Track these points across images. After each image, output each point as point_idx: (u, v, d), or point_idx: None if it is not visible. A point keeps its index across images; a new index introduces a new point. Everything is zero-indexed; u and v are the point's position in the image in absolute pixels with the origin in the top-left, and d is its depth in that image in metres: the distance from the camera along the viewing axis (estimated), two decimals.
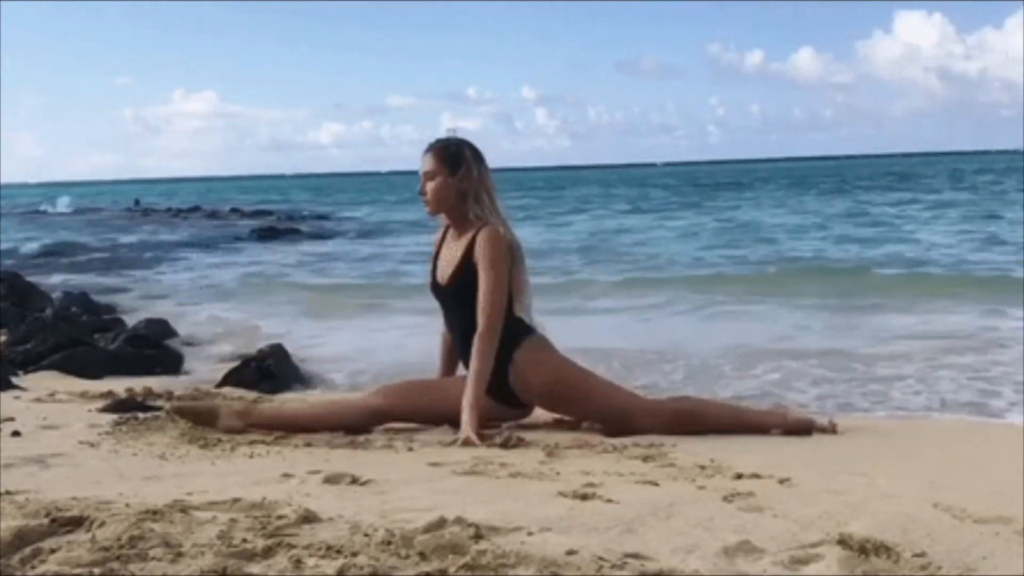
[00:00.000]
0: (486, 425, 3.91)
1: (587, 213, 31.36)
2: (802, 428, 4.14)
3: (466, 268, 4.03)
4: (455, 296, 4.08)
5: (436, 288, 4.20)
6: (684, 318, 9.10)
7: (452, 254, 4.12)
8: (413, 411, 4.01)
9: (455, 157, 4.11)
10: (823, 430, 4.13)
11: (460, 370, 4.20)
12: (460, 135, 4.23)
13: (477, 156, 4.14)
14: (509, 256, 4.01)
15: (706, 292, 10.69)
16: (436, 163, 4.12)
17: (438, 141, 4.19)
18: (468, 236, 4.07)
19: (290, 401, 4.85)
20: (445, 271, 4.12)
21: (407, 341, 7.44)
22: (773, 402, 4.29)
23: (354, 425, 3.93)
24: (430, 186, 4.13)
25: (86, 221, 36.56)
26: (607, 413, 3.97)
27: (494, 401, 3.98)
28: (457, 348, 4.18)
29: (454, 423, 3.92)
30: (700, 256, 15.81)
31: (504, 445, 3.64)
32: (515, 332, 4.01)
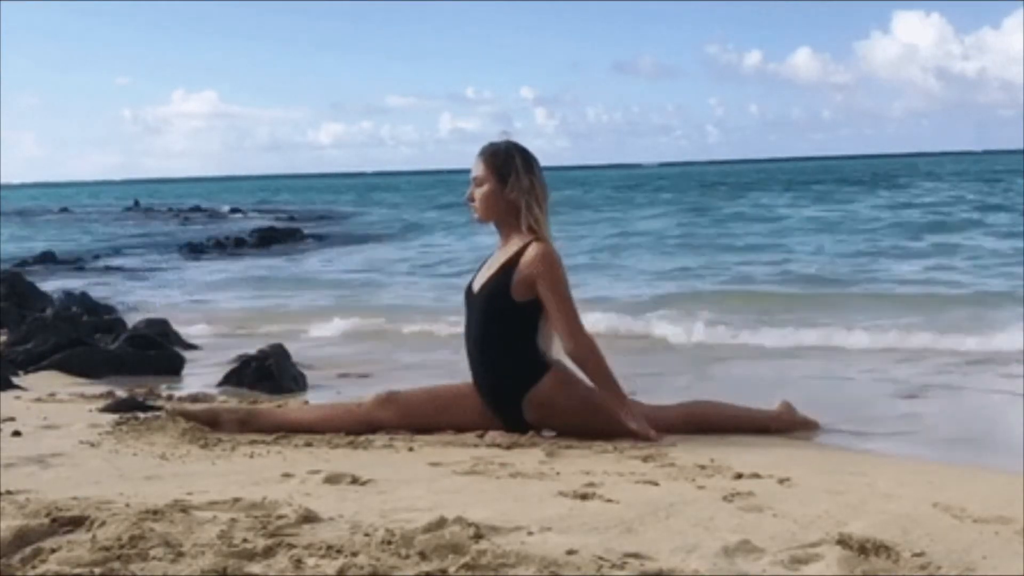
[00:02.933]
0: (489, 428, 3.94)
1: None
2: (808, 427, 4.19)
3: (503, 278, 3.91)
4: (482, 302, 3.97)
5: (468, 294, 4.09)
6: None
7: (494, 262, 4.01)
8: (417, 425, 3.96)
9: (505, 165, 3.96)
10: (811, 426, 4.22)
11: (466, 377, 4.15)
12: (512, 137, 4.08)
13: (528, 163, 3.98)
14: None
15: None
16: (485, 170, 3.99)
17: (490, 145, 4.04)
18: (514, 246, 3.94)
19: (291, 403, 4.84)
20: (483, 278, 4.02)
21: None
22: (780, 400, 4.29)
23: (355, 432, 3.91)
24: (478, 193, 4.00)
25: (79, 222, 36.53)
26: (625, 428, 3.94)
27: (502, 426, 3.93)
28: (469, 356, 4.06)
29: (458, 431, 3.93)
30: None
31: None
32: (534, 367, 3.91)
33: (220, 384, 5.51)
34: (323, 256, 18.62)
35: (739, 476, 3.14)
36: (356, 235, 25.01)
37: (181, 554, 2.19)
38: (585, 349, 3.87)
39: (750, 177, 67.75)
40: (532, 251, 3.89)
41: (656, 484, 3.03)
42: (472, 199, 4.04)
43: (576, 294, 3.95)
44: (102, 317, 8.27)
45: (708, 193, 42.13)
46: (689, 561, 2.23)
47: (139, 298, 11.35)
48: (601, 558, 2.21)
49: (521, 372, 3.90)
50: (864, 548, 2.30)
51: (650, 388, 4.78)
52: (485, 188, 3.99)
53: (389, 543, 2.27)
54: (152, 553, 2.19)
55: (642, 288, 11.18)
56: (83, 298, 9.48)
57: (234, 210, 41.37)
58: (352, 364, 6.32)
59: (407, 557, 2.20)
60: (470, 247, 17.24)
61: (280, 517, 2.50)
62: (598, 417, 3.91)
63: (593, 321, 6.68)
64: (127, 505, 2.60)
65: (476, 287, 4.04)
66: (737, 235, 18.80)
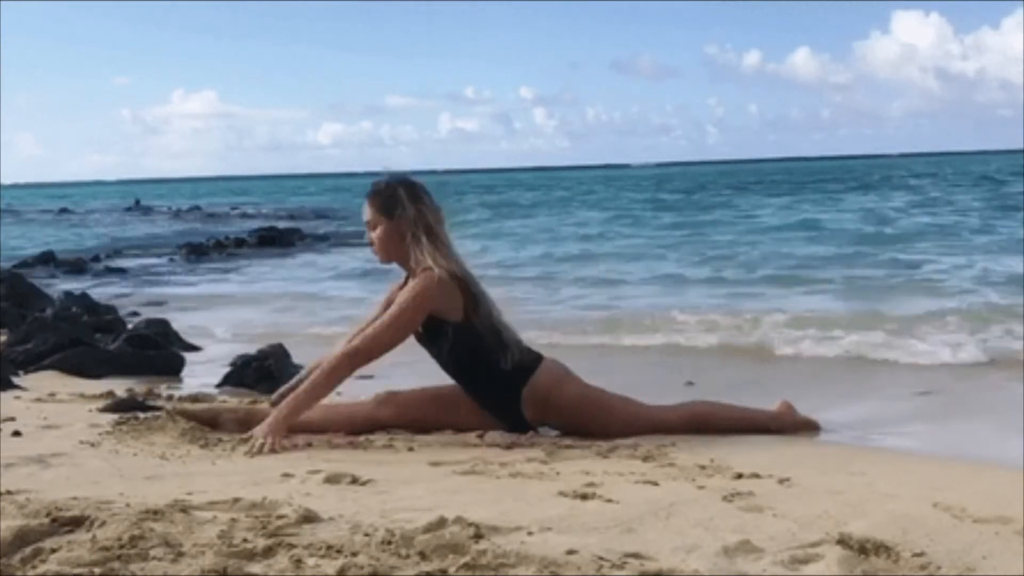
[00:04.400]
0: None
1: None
2: (808, 428, 4.19)
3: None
4: (430, 343, 3.98)
5: (418, 338, 4.04)
6: None
7: None
8: (417, 425, 3.97)
9: (389, 201, 3.96)
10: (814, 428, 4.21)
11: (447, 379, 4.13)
12: (393, 171, 4.08)
13: (413, 194, 3.97)
14: (440, 299, 3.83)
15: None
16: (373, 211, 4.00)
17: (372, 186, 4.05)
18: None
19: None
20: None
21: None
22: (780, 401, 4.29)
23: (355, 432, 3.92)
24: (374, 236, 4.02)
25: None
26: (626, 428, 3.94)
27: (502, 426, 3.94)
28: (457, 384, 4.06)
29: (459, 430, 3.94)
30: None
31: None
32: (520, 368, 3.92)
33: (220, 384, 5.51)
34: (325, 258, 18.59)
35: (739, 476, 3.14)
36: (357, 236, 24.98)
37: (181, 554, 2.19)
38: (345, 355, 3.81)
39: (745, 178, 67.55)
40: (416, 278, 3.88)
41: (656, 484, 3.03)
42: (372, 242, 4.05)
43: None
44: (102, 317, 8.26)
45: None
46: (689, 561, 2.23)
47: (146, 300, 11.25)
48: (601, 558, 2.22)
49: (508, 377, 3.91)
50: (864, 548, 2.30)
51: None
52: (379, 230, 3.99)
53: (389, 543, 2.27)
54: (152, 553, 2.19)
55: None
56: (83, 298, 9.47)
57: (234, 209, 41.40)
58: None
59: (407, 557, 2.20)
60: (482, 247, 17.10)
61: (280, 517, 2.51)
62: (596, 414, 3.93)
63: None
64: (127, 505, 2.60)
65: (419, 331, 3.98)
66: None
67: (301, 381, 3.97)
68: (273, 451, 3.55)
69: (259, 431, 3.68)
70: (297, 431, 3.89)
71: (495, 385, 3.92)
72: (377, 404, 4.01)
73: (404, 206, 3.94)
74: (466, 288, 3.89)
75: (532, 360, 3.97)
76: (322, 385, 3.82)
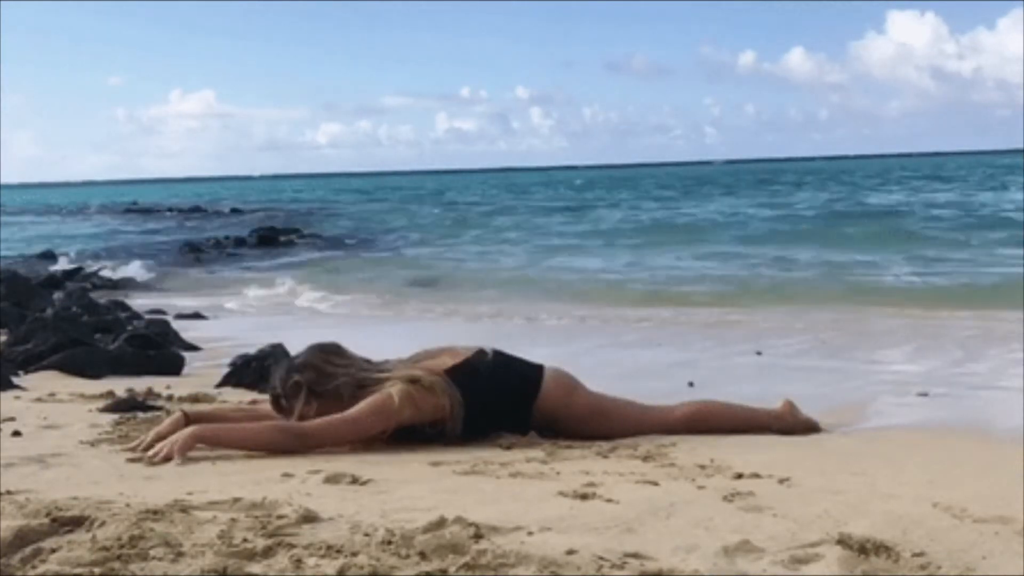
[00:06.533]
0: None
1: None
2: (810, 428, 4.18)
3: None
4: (430, 437, 3.79)
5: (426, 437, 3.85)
6: None
7: None
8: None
9: (316, 380, 3.72)
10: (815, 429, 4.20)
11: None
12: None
13: (326, 358, 3.80)
14: (394, 418, 3.65)
15: None
16: (306, 399, 3.72)
17: (280, 387, 3.76)
18: None
19: None
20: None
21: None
22: (782, 400, 4.28)
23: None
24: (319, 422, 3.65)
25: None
26: (633, 431, 3.94)
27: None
28: None
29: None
30: None
31: None
32: (530, 373, 3.94)
33: (220, 384, 5.51)
34: (320, 254, 18.59)
35: (739, 476, 3.14)
36: (358, 236, 25.00)
37: (181, 554, 2.19)
38: (291, 432, 3.59)
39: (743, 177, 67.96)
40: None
41: (656, 484, 3.03)
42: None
43: None
44: (102, 317, 8.26)
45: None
46: (689, 561, 2.23)
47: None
48: (601, 558, 2.21)
49: (522, 383, 3.91)
50: (864, 548, 2.30)
51: None
52: (314, 412, 3.70)
53: (389, 543, 2.27)
54: (152, 553, 2.19)
55: None
56: (83, 298, 9.47)
57: (234, 210, 41.42)
58: None
59: (407, 557, 2.20)
60: (476, 253, 17.14)
61: (280, 517, 2.51)
62: (604, 422, 3.94)
63: None
64: (127, 505, 2.61)
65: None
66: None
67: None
68: (166, 459, 3.36)
69: (170, 441, 3.45)
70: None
71: (507, 410, 3.88)
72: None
73: (330, 375, 3.75)
74: (432, 388, 3.73)
75: (534, 372, 3.96)
76: (251, 441, 3.57)
